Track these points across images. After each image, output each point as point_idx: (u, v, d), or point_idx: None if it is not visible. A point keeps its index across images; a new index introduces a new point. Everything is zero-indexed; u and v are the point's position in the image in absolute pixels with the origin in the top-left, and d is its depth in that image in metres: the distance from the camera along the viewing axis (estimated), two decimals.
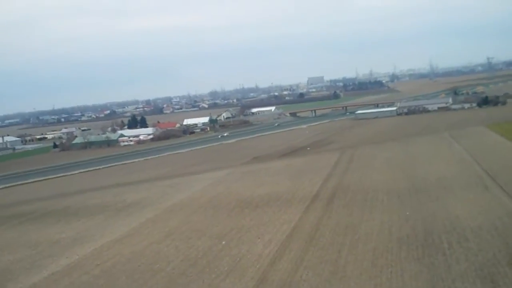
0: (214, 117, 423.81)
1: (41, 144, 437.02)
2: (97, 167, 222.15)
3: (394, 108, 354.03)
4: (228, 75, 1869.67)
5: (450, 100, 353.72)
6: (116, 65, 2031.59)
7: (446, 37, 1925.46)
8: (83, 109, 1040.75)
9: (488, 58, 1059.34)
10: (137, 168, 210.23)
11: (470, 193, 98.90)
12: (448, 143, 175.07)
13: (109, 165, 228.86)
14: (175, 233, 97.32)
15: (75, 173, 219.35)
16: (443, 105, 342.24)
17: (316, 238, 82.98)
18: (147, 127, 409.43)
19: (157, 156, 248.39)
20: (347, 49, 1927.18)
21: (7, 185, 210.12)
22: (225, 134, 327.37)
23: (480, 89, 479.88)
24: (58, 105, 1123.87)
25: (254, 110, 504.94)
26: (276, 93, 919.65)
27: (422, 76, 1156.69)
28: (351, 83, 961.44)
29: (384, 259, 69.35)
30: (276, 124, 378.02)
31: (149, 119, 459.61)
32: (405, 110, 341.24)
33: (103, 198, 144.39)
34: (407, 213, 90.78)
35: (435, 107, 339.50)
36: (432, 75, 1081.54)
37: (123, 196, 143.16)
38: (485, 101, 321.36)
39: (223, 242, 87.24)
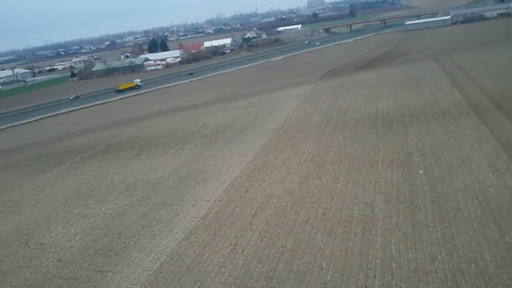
0: (244, 37, 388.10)
1: (53, 75, 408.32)
2: (139, 92, 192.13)
3: (448, 17, 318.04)
4: (223, 2, 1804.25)
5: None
6: None
7: None
8: (79, 43, 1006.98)
9: None
10: (189, 90, 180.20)
11: None
12: None
13: (153, 88, 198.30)
14: (326, 163, 68.44)
15: (114, 100, 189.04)
16: (504, 10, 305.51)
17: None
18: (168, 50, 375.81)
19: (202, 77, 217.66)
20: None
21: (44, 116, 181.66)
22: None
23: None
24: (51, 41, 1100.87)
25: (280, 28, 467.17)
26: (283, 16, 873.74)
27: None
28: (358, 3, 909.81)
29: None
30: (317, 43, 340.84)
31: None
32: (460, 19, 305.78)
33: (175, 124, 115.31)
34: None
35: (494, 13, 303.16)
36: None
37: (200, 120, 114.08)
38: None
39: (420, 171, 59.00)
